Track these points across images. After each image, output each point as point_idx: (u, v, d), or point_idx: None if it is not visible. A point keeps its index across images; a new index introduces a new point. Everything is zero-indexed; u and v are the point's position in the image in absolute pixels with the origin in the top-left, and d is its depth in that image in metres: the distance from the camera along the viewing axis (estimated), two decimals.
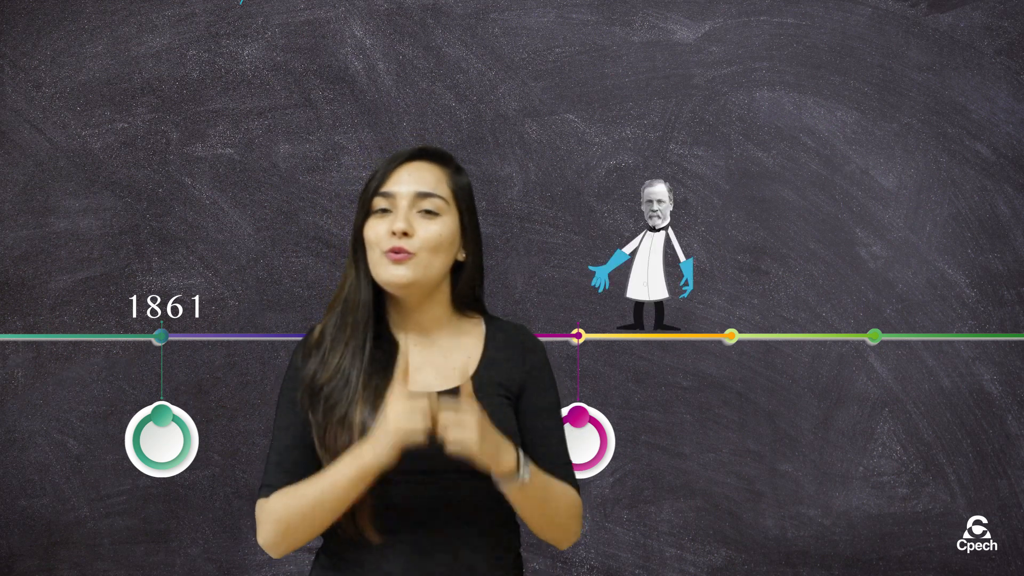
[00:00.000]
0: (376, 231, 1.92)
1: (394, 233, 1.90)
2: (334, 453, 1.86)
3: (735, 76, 3.04)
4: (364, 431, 1.84)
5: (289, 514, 1.86)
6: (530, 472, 1.84)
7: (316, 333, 1.97)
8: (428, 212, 1.93)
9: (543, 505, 1.90)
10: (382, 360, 1.92)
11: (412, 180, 1.94)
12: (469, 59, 3.04)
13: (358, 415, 1.87)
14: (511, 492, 1.83)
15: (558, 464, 1.99)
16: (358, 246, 1.96)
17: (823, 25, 3.03)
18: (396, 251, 1.90)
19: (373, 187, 1.95)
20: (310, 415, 1.91)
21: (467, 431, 1.75)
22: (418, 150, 1.99)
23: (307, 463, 1.92)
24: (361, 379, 1.89)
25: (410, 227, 1.91)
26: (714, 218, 3.03)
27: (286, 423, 1.94)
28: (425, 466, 1.85)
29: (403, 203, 1.93)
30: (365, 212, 1.95)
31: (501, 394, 1.95)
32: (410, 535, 1.87)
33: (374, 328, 1.94)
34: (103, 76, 3.04)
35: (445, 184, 1.97)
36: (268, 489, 1.92)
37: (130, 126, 3.04)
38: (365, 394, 1.88)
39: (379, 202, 1.94)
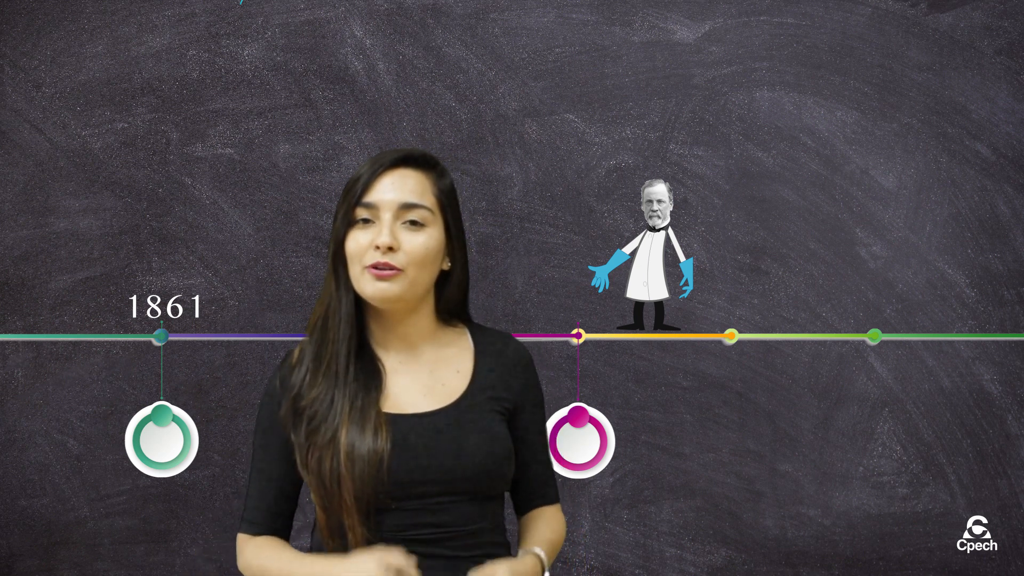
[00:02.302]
0: (358, 243, 1.85)
1: (378, 247, 1.83)
2: (318, 475, 1.82)
3: (735, 76, 3.04)
4: (351, 454, 1.81)
5: (254, 571, 1.89)
6: (546, 557, 1.93)
7: (296, 353, 1.91)
8: (413, 223, 1.86)
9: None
10: (366, 379, 1.87)
11: (396, 190, 1.86)
12: (469, 59, 3.04)
13: (344, 438, 1.82)
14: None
15: (548, 477, 2.02)
16: (338, 258, 1.88)
17: (823, 25, 3.03)
18: (381, 267, 1.83)
19: (355, 196, 1.86)
20: (292, 436, 1.87)
21: None
22: (401, 156, 1.90)
23: (287, 496, 1.92)
24: (347, 401, 1.84)
25: (395, 241, 1.83)
26: (714, 218, 3.03)
27: (265, 451, 1.91)
28: (418, 492, 1.83)
29: (387, 215, 1.85)
30: (347, 222, 1.87)
31: (495, 410, 1.91)
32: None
33: (356, 344, 1.88)
34: (103, 76, 3.04)
35: (430, 192, 1.89)
36: (248, 525, 1.93)
37: (130, 126, 3.04)
38: (351, 416, 1.83)
39: (361, 212, 1.86)
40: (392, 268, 1.83)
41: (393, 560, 1.75)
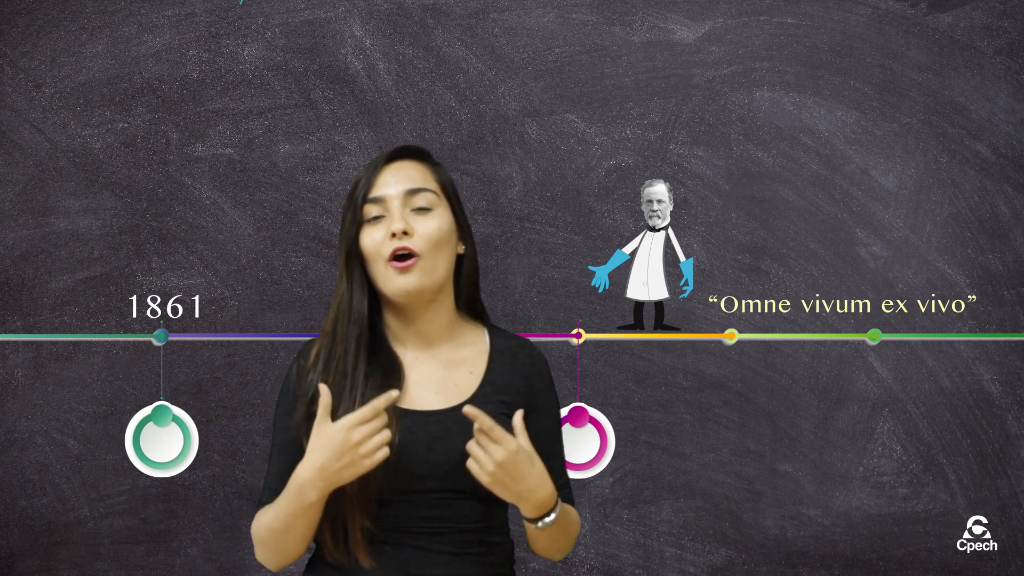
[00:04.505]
0: (373, 239, 1.89)
1: (394, 235, 1.87)
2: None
3: (735, 76, 3.04)
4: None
5: (261, 534, 1.87)
6: (556, 516, 1.85)
7: (313, 352, 1.93)
8: (422, 209, 1.90)
9: (561, 537, 1.92)
10: (380, 376, 1.88)
11: (398, 179, 1.92)
12: (469, 59, 3.04)
13: None
14: (529, 527, 1.86)
15: (563, 481, 1.99)
16: (351, 259, 1.91)
17: (823, 25, 3.03)
18: (400, 252, 1.86)
19: (360, 196, 1.91)
20: (303, 441, 1.86)
21: (486, 464, 1.76)
22: (396, 150, 1.96)
23: None
24: (358, 398, 1.85)
25: (409, 226, 1.87)
26: (714, 218, 3.03)
27: (282, 443, 1.91)
28: (421, 487, 1.84)
29: (395, 204, 1.89)
30: (358, 223, 1.91)
31: (503, 412, 1.90)
32: (404, 555, 1.85)
33: (371, 341, 1.90)
34: (103, 76, 3.04)
35: (432, 178, 1.94)
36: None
37: (130, 126, 3.04)
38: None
39: (370, 209, 1.90)
40: (411, 253, 1.87)
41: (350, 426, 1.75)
